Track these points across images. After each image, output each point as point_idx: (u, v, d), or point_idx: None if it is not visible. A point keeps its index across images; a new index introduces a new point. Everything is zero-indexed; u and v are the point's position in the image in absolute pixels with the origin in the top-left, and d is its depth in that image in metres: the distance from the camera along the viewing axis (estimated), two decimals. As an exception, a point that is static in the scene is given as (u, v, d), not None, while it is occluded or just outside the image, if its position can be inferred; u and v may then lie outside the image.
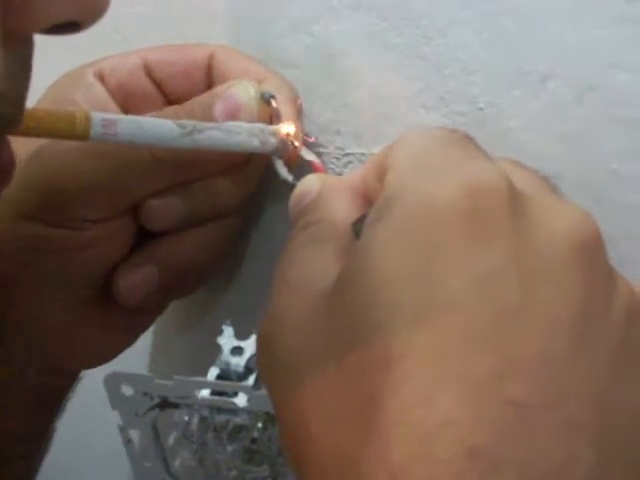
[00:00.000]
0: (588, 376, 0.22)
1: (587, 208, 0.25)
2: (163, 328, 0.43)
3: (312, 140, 0.35)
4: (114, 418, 0.35)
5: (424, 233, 0.23)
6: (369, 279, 0.24)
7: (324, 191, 0.30)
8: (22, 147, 0.24)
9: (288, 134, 0.32)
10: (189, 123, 0.30)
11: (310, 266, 0.27)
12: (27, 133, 0.26)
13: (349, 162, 0.35)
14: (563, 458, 0.21)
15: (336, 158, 0.35)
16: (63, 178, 0.32)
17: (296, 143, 0.33)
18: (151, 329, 0.39)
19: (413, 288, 0.23)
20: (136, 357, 0.43)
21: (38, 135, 0.27)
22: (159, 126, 0.29)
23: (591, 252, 0.24)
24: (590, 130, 0.31)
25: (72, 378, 0.39)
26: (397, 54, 0.33)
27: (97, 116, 0.27)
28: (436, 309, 0.22)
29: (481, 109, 0.32)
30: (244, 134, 0.31)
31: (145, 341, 0.43)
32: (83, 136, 0.27)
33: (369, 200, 0.29)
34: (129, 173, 0.32)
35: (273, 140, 0.32)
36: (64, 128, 0.27)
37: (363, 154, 0.35)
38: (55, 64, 0.33)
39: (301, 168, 0.34)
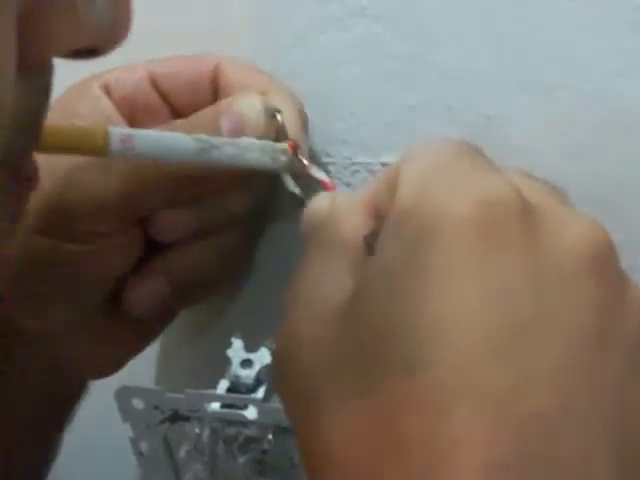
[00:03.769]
0: (607, 385, 0.22)
1: (594, 217, 0.25)
2: (172, 340, 0.43)
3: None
4: (124, 430, 0.35)
5: (438, 249, 0.23)
6: (384, 294, 0.24)
7: (334, 209, 0.30)
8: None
9: (296, 153, 0.32)
10: (205, 139, 0.29)
11: (323, 282, 0.27)
12: (47, 149, 0.25)
13: (356, 171, 0.35)
14: (583, 470, 0.21)
15: (343, 167, 0.35)
16: (76, 194, 0.32)
17: (305, 162, 0.33)
18: (161, 341, 0.39)
19: (430, 303, 0.23)
20: (145, 369, 0.43)
21: (58, 151, 0.26)
22: (176, 141, 0.29)
23: (603, 261, 0.24)
24: (597, 139, 0.31)
25: (80, 389, 0.39)
26: (404, 63, 0.33)
27: (115, 131, 0.27)
28: (454, 323, 0.22)
29: (489, 118, 0.32)
30: (257, 152, 0.31)
31: (154, 353, 0.43)
32: (103, 152, 0.27)
33: (380, 215, 0.29)
34: (140, 188, 0.32)
35: (283, 157, 0.32)
36: (84, 144, 0.26)
37: (370, 163, 0.35)
38: (58, 75, 0.33)
39: (310, 179, 0.34)
